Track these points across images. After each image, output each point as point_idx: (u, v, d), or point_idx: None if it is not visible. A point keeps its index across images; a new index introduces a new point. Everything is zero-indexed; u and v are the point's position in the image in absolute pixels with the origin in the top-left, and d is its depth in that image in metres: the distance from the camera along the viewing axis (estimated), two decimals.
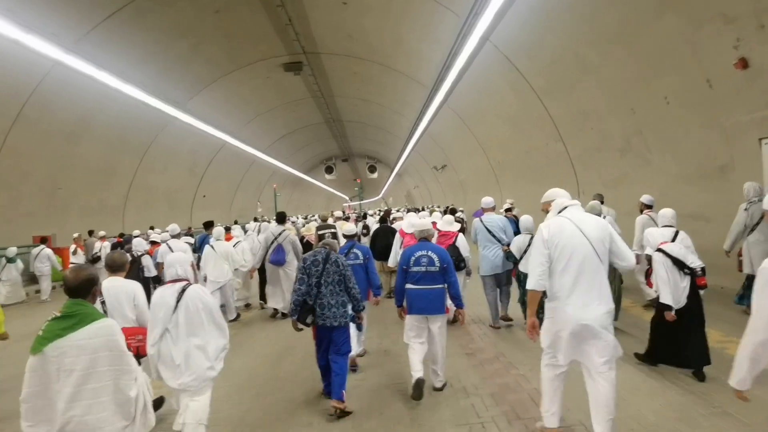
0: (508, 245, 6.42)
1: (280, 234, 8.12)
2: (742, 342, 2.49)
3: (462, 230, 7.63)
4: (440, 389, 4.65)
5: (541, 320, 3.53)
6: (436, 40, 12.55)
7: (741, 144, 7.10)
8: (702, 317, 4.47)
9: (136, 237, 9.71)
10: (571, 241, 3.31)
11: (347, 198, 56.91)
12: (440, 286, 4.50)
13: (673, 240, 4.68)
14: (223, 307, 7.69)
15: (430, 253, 4.53)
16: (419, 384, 4.41)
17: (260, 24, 14.34)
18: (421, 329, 4.59)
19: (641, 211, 6.94)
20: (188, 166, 22.15)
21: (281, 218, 8.58)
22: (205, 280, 7.92)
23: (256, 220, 22.45)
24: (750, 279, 5.90)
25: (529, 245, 5.75)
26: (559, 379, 3.48)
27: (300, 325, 4.42)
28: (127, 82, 13.03)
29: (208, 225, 9.57)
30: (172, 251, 7.24)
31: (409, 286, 4.55)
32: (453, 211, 15.44)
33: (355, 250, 5.49)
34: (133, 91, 13.52)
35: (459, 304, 4.67)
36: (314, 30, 15.10)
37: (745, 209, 6.08)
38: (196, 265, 8.10)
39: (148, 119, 16.54)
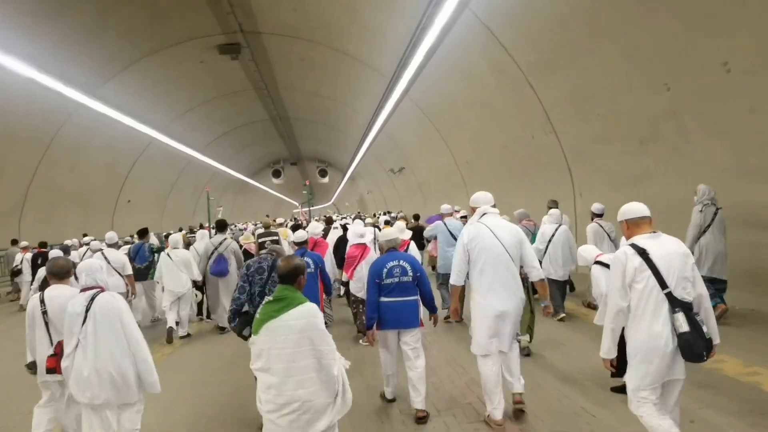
0: None
1: (220, 243, 7.91)
2: (606, 318, 3.20)
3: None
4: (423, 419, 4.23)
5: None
6: (400, 9, 10.51)
7: None
8: None
9: (65, 246, 9.42)
10: (487, 245, 3.94)
11: (297, 204, 55.19)
12: (414, 297, 4.37)
13: None
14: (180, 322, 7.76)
15: (402, 262, 4.37)
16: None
17: None
18: (393, 345, 4.48)
19: (592, 219, 7.25)
20: (106, 164, 18.99)
21: (221, 226, 8.35)
22: (162, 290, 7.84)
23: (201, 227, 20.35)
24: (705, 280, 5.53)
25: None
26: (496, 372, 3.95)
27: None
28: (9, 54, 10.21)
29: (143, 233, 9.12)
30: (109, 262, 7.09)
31: (381, 299, 4.34)
32: (330, 220, 13.81)
33: (306, 259, 5.29)
34: (19, 67, 10.67)
35: (433, 310, 4.54)
36: (253, 1, 12.76)
37: (700, 211, 6.17)
38: (137, 276, 8.06)
39: (47, 105, 13.53)
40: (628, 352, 3.10)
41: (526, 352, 5.56)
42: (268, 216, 18.92)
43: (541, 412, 4.17)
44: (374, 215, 23.32)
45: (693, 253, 5.81)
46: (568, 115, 9.47)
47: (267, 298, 2.96)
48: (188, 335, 7.77)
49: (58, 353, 3.52)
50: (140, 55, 14.52)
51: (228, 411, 4.84)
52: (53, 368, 3.55)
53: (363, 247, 6.53)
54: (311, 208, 26.64)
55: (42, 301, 3.74)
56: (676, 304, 2.94)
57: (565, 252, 7.04)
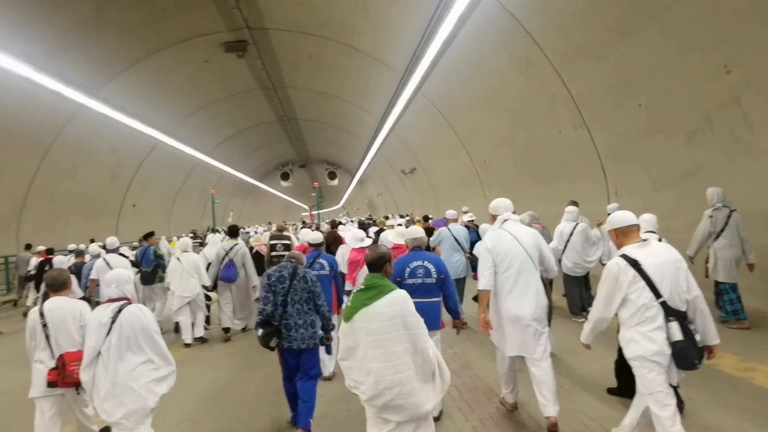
0: (470, 253, 6.97)
1: (231, 249, 7.87)
2: (589, 317, 3.38)
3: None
4: (437, 418, 4.26)
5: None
6: (414, 2, 9.79)
7: None
8: None
9: (80, 250, 9.02)
10: (509, 249, 4.00)
11: (306, 207, 54.71)
12: (437, 299, 4.29)
13: None
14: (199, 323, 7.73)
15: (426, 263, 4.28)
16: None
17: None
18: None
19: (598, 225, 7.01)
20: (110, 168, 18.48)
21: (233, 232, 8.37)
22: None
23: (214, 231, 20.43)
24: (717, 285, 6.13)
25: None
26: (510, 363, 4.17)
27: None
28: (4, 52, 9.65)
29: (148, 236, 9.12)
30: (111, 268, 6.80)
31: None
32: (334, 223, 13.76)
33: (320, 260, 5.38)
34: (14, 65, 10.11)
35: (456, 315, 4.38)
36: None
37: (710, 216, 6.08)
38: (143, 280, 8.19)
39: (45, 107, 12.99)
40: (628, 360, 3.21)
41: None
42: (270, 223, 18.35)
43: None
44: (386, 218, 22.77)
45: (695, 259, 6.19)
46: (603, 108, 8.62)
47: (359, 286, 3.03)
48: (204, 340, 7.59)
49: (59, 366, 3.52)
50: (142, 55, 13.97)
51: (254, 417, 4.73)
52: (55, 381, 3.52)
53: (364, 251, 6.13)
54: (320, 212, 25.92)
55: (42, 314, 3.67)
56: (670, 313, 3.00)
57: (585, 249, 6.95)
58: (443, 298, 4.27)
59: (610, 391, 4.51)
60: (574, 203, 7.70)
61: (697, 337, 2.97)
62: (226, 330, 7.76)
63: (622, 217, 3.27)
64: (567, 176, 10.44)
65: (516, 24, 8.62)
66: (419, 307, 4.04)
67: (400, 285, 4.12)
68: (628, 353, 3.16)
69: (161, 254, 8.58)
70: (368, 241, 6.60)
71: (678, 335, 2.93)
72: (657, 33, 6.84)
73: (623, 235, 3.24)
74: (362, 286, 2.98)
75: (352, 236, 6.63)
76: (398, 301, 2.87)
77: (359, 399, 2.89)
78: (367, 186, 41.32)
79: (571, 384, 4.85)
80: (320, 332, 4.29)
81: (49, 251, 11.63)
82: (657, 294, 2.99)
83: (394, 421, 2.81)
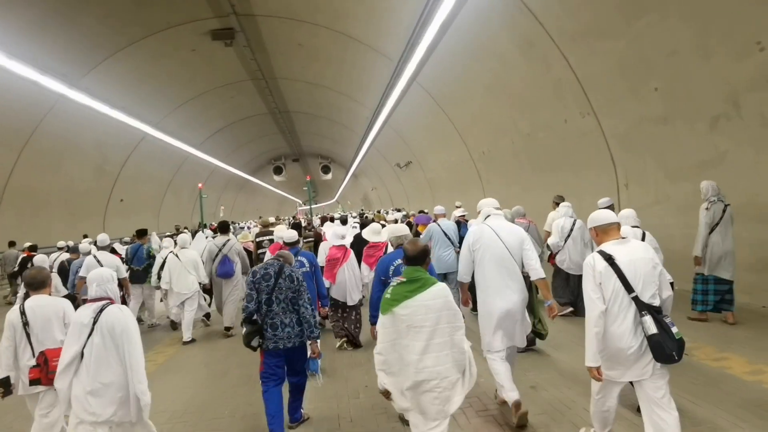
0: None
1: (224, 245, 7.77)
2: (586, 324, 3.12)
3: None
4: None
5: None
6: None
7: None
8: None
9: (75, 246, 8.63)
10: (489, 245, 4.07)
11: (300, 202, 54.21)
12: None
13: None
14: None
15: None
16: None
17: None
18: None
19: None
20: (96, 162, 17.84)
21: (224, 228, 8.30)
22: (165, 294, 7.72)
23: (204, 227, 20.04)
24: (705, 280, 6.07)
25: None
26: (506, 365, 4.02)
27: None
28: None
29: (141, 233, 8.88)
30: (102, 265, 6.46)
31: None
32: (325, 219, 13.85)
33: (300, 258, 5.39)
34: None
35: None
36: None
37: (707, 209, 5.97)
38: (134, 278, 8.07)
39: (22, 97, 12.36)
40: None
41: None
42: (261, 217, 17.87)
43: (543, 413, 4.12)
44: (378, 212, 22.41)
45: (704, 254, 6.00)
46: (614, 92, 8.06)
47: (399, 279, 3.06)
48: (193, 340, 7.37)
49: (40, 363, 3.48)
50: (125, 43, 13.33)
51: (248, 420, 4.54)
52: (38, 379, 3.48)
53: (344, 249, 6.43)
54: (312, 206, 25.32)
55: (23, 312, 3.63)
56: (642, 307, 3.03)
57: (586, 245, 6.81)
58: None
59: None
60: (561, 199, 7.71)
61: (674, 329, 2.99)
62: (227, 329, 7.66)
63: (601, 215, 3.34)
64: (572, 167, 9.92)
65: (518, 2, 8.06)
66: None
67: (385, 284, 4.04)
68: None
69: (154, 254, 8.46)
70: (349, 239, 6.54)
71: (653, 329, 2.97)
72: (676, 7, 6.26)
73: (603, 232, 3.30)
74: (403, 279, 3.01)
75: (332, 233, 6.58)
76: (441, 294, 2.95)
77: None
78: (362, 180, 40.84)
79: (560, 376, 4.84)
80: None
81: (32, 248, 11.42)
82: (629, 289, 3.05)
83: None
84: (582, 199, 9.30)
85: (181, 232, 13.16)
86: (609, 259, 3.10)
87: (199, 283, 7.64)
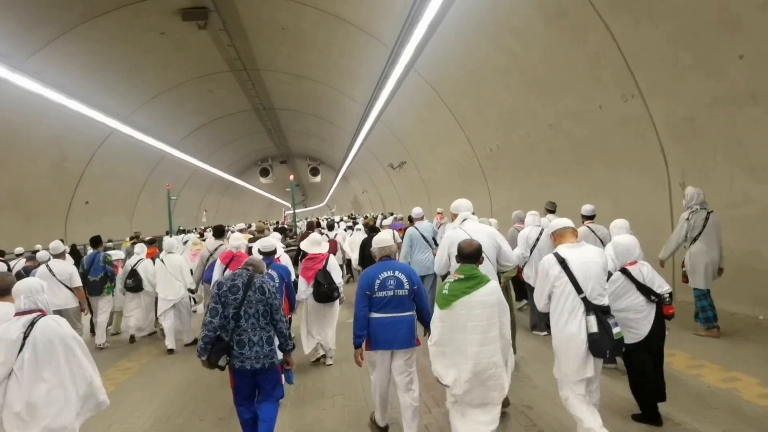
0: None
1: (216, 249, 7.53)
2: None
3: None
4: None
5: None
6: None
7: None
8: (662, 351, 3.97)
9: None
10: None
11: (288, 205, 52.56)
12: (410, 313, 3.95)
13: None
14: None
15: (397, 273, 3.94)
16: None
17: None
18: (385, 368, 3.95)
19: (582, 222, 6.58)
20: (52, 159, 15.94)
21: (219, 232, 8.17)
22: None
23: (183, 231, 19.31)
24: (698, 292, 5.82)
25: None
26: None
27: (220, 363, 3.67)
28: None
29: (96, 242, 8.44)
30: (54, 275, 6.70)
31: (372, 315, 3.90)
32: (312, 225, 13.07)
33: (270, 271, 4.97)
34: None
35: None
36: None
37: (687, 219, 5.75)
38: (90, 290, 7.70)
39: None
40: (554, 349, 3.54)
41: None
42: (250, 225, 16.25)
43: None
44: (366, 216, 21.11)
45: (670, 261, 6.03)
46: (674, 67, 6.35)
47: (456, 276, 3.34)
48: (196, 341, 7.20)
49: None
50: (78, 19, 11.54)
51: None
52: None
53: (319, 257, 6.04)
54: (297, 211, 23.51)
55: None
56: (590, 307, 3.32)
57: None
58: (417, 311, 4.01)
59: (635, 417, 4.03)
60: (553, 205, 7.44)
61: (615, 330, 3.31)
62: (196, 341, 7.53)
63: (558, 221, 3.78)
64: (607, 163, 8.30)
65: None
66: (391, 323, 3.84)
67: (370, 299, 3.92)
68: (553, 342, 3.53)
69: (110, 260, 8.15)
70: (326, 246, 6.33)
71: (594, 327, 3.27)
72: None
73: (559, 236, 3.70)
74: (461, 276, 3.29)
75: (308, 240, 6.26)
76: (496, 290, 3.28)
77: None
78: (352, 182, 39.42)
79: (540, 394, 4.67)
80: (279, 352, 3.84)
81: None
82: (579, 290, 3.35)
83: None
84: (618, 202, 7.79)
85: (142, 240, 11.45)
86: (562, 261, 3.42)
87: (189, 290, 7.59)
